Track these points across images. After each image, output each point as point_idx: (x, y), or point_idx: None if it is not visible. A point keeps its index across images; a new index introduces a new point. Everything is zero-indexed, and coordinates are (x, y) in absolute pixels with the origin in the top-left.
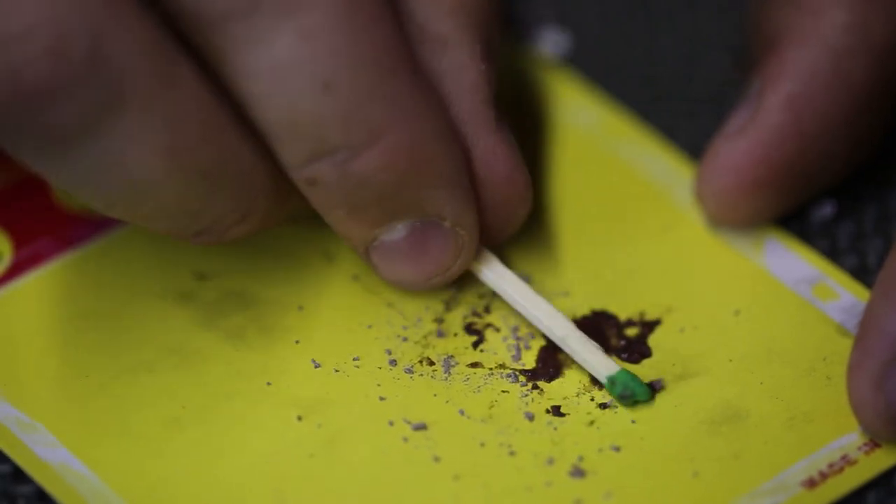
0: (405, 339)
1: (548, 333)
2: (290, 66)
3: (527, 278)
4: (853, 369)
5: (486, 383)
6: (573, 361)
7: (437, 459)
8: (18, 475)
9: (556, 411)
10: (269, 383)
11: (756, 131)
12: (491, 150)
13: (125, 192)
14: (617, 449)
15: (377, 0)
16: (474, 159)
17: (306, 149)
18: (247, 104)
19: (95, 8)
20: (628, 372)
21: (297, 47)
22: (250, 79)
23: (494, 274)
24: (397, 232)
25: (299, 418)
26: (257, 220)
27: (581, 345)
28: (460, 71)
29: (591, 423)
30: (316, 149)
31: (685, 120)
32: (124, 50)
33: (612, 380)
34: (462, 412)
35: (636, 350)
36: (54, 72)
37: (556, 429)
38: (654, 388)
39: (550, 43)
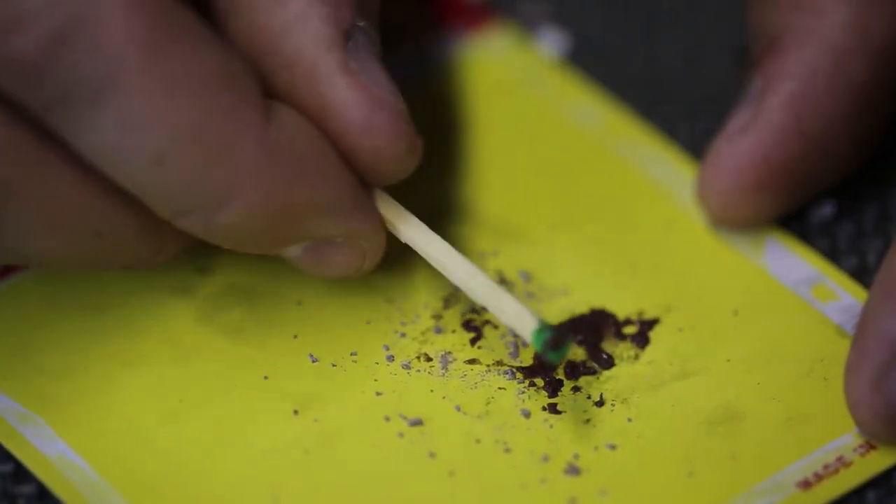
0: (403, 335)
1: (467, 293)
2: (119, 149)
3: (526, 275)
4: (850, 370)
5: (483, 380)
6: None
7: (432, 455)
8: (18, 475)
9: (553, 409)
10: (266, 377)
11: (757, 131)
12: (340, 103)
13: (32, 261)
14: (612, 447)
15: (200, 50)
16: (328, 115)
17: (166, 210)
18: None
19: None
20: (549, 325)
21: (120, 131)
22: (91, 157)
23: (414, 233)
24: (293, 251)
25: (295, 412)
26: (175, 249)
27: (501, 301)
28: (298, 23)
29: (588, 420)
30: (174, 211)
31: (686, 120)
32: None
33: (536, 333)
34: (458, 408)
35: (637, 339)
36: None
37: (552, 426)
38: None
39: (551, 43)
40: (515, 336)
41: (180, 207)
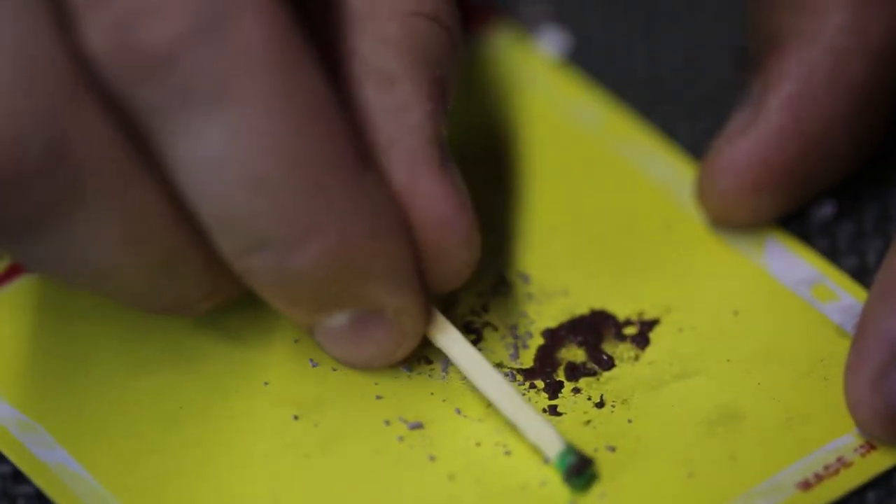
0: None
1: (497, 406)
2: (221, 162)
3: (526, 277)
4: (850, 370)
5: None
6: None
7: (432, 458)
8: (18, 475)
9: (553, 411)
10: (266, 383)
11: (757, 132)
12: (431, 193)
13: (87, 277)
14: (612, 449)
15: (318, 86)
16: (414, 201)
17: (240, 242)
18: (184, 196)
19: (58, 104)
20: (575, 449)
21: (228, 142)
22: (185, 172)
23: (448, 340)
24: (338, 320)
25: (296, 417)
26: (223, 297)
27: (529, 421)
28: (404, 110)
29: (588, 422)
30: (249, 243)
31: (686, 120)
32: (83, 148)
33: (561, 456)
34: (459, 411)
35: (637, 340)
36: (13, 164)
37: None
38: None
39: (551, 42)
40: (515, 338)
41: (258, 241)
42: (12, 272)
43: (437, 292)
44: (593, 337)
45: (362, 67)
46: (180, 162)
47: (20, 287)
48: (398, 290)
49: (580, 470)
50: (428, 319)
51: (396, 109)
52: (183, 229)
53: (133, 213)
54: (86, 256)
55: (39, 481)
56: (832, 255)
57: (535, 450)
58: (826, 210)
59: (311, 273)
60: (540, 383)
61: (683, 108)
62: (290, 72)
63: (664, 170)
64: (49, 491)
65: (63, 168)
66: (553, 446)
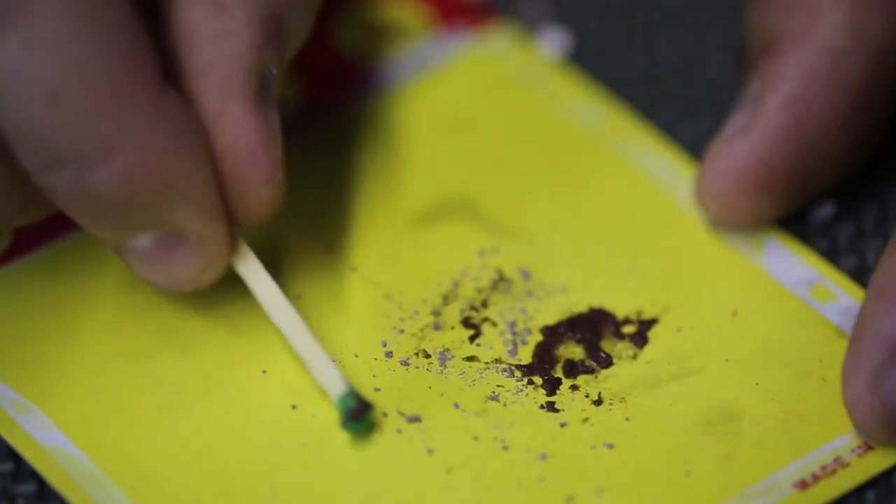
0: (402, 332)
1: (289, 342)
2: (15, 75)
3: (526, 273)
4: (848, 370)
5: (481, 377)
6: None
7: (430, 452)
8: (18, 475)
9: (551, 407)
10: (264, 371)
11: (756, 133)
12: (237, 123)
13: None
14: (610, 446)
15: (118, 4)
16: (220, 129)
17: (39, 159)
18: None
19: None
20: (356, 393)
21: (22, 56)
22: None
23: (250, 272)
24: (143, 240)
25: (293, 407)
26: (38, 211)
27: (316, 359)
28: (228, 37)
29: (586, 419)
30: (47, 160)
31: (685, 120)
32: None
33: (341, 399)
34: (456, 405)
35: (635, 339)
36: None
37: (550, 425)
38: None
39: (551, 42)
40: (514, 334)
41: (57, 157)
42: (10, 254)
43: (242, 227)
44: (592, 335)
45: None
46: None
47: (18, 269)
48: (201, 214)
49: (358, 414)
50: (232, 246)
51: (220, 35)
52: None
53: None
54: None
55: (36, 463)
56: (832, 255)
57: (532, 444)
58: (826, 210)
59: (111, 192)
60: (538, 380)
61: (683, 108)
62: None
63: (664, 170)
64: (45, 473)
65: None
66: (335, 388)
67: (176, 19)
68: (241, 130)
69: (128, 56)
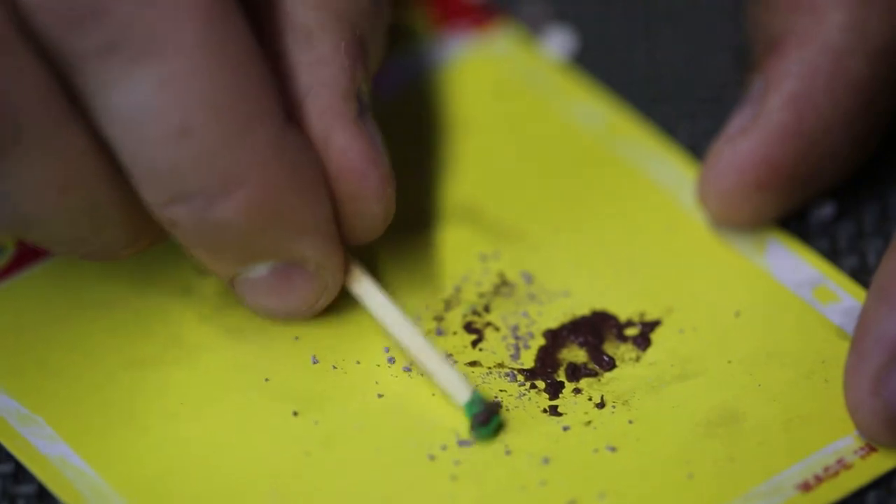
0: None
1: (411, 355)
2: (147, 112)
3: (528, 276)
4: (850, 372)
5: (484, 382)
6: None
7: (432, 458)
8: (19, 475)
9: (554, 411)
10: (267, 379)
11: (758, 132)
12: (345, 146)
13: (14, 223)
14: (613, 449)
15: (243, 39)
16: (328, 154)
17: (163, 192)
18: (112, 147)
19: None
20: (481, 398)
21: (154, 93)
22: (112, 122)
23: (363, 291)
24: (259, 271)
25: (296, 414)
26: (146, 243)
27: (439, 369)
28: (321, 65)
29: (588, 423)
30: (172, 193)
31: (686, 120)
32: (19, 95)
33: (468, 406)
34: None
35: (638, 341)
36: None
37: (552, 428)
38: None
39: (553, 43)
40: (517, 338)
41: (182, 190)
42: (14, 266)
43: (352, 244)
44: (594, 337)
45: (285, 22)
46: (107, 112)
47: (21, 281)
48: (319, 243)
49: (486, 420)
50: (346, 271)
51: (313, 63)
52: (109, 178)
53: (63, 160)
54: (15, 202)
55: (40, 474)
56: (832, 255)
57: (534, 448)
58: (826, 210)
59: (233, 224)
60: (541, 383)
61: (683, 108)
62: (217, 24)
63: (666, 171)
64: (49, 484)
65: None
66: (461, 395)
67: (268, 51)
68: (350, 153)
69: (255, 90)
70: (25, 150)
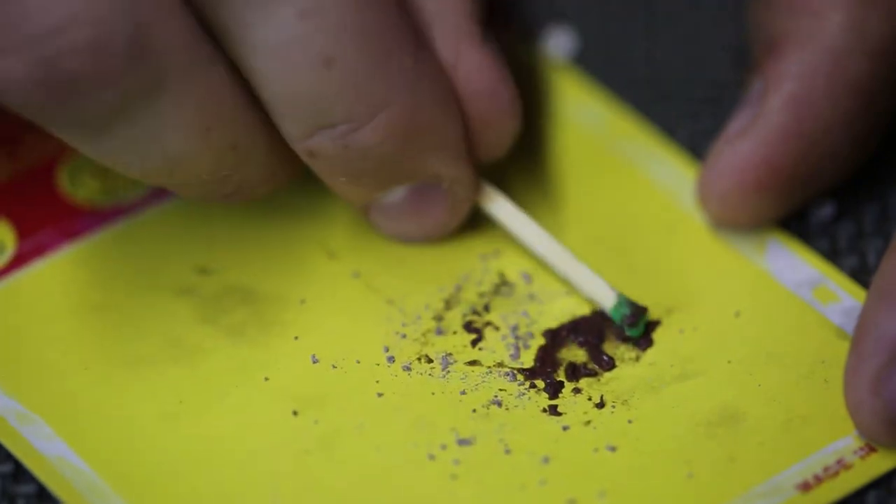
0: (404, 336)
1: (552, 267)
2: (291, 42)
3: (528, 277)
4: (850, 372)
5: (483, 382)
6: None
7: (432, 457)
8: (18, 475)
9: (554, 410)
10: (266, 378)
11: (758, 133)
12: (475, 64)
13: (161, 166)
14: (613, 449)
15: None
16: (458, 73)
17: (307, 123)
18: (252, 80)
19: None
20: (627, 300)
21: (298, 24)
22: (254, 56)
23: (499, 209)
24: (397, 195)
25: (295, 413)
26: (281, 180)
27: (582, 277)
28: None
29: (588, 422)
30: (316, 123)
31: (686, 120)
32: (164, 39)
33: (615, 309)
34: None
35: (638, 341)
36: (96, 62)
37: (552, 428)
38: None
39: (555, 43)
40: (517, 338)
41: (327, 119)
42: (14, 264)
43: (484, 160)
44: (594, 337)
45: None
46: (251, 47)
47: (20, 280)
48: (454, 160)
49: (634, 321)
50: (478, 184)
51: None
52: (252, 114)
53: (208, 100)
54: (162, 144)
55: (39, 473)
56: (832, 255)
57: (534, 448)
58: (826, 210)
59: (376, 148)
60: (540, 383)
61: (683, 108)
62: None
63: (666, 171)
64: (49, 483)
65: (146, 58)
66: (607, 299)
67: None
68: (480, 72)
69: (392, 15)
70: (172, 91)
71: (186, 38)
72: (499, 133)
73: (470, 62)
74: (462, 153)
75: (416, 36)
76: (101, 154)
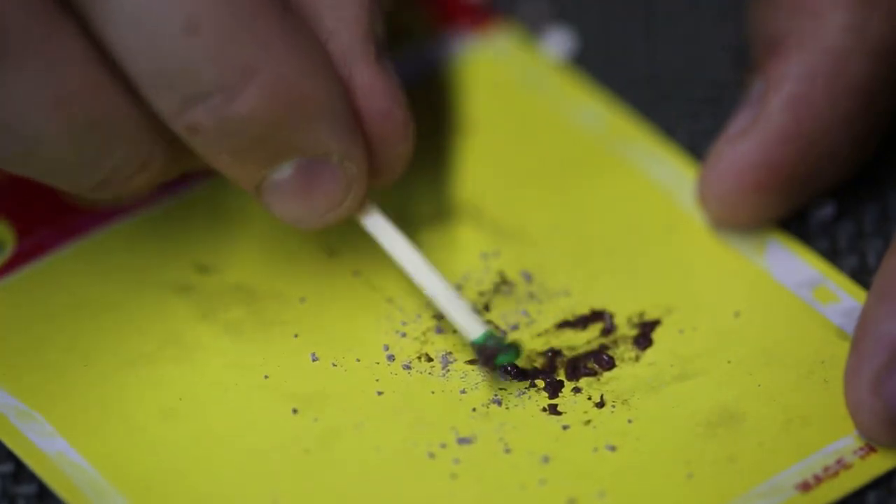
0: (404, 335)
1: (423, 290)
2: (150, 7)
3: (528, 276)
4: (850, 373)
5: (483, 381)
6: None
7: (432, 456)
8: (19, 475)
9: (553, 410)
10: (266, 376)
11: (758, 134)
12: (368, 85)
13: (14, 146)
14: (612, 448)
15: None
16: (352, 94)
17: (179, 96)
18: (116, 56)
19: None
20: (494, 333)
21: None
22: (114, 26)
23: (375, 226)
24: (284, 171)
25: (295, 412)
26: (158, 168)
27: (450, 305)
28: (340, 6)
29: (588, 422)
30: (189, 94)
31: (686, 120)
32: (4, 2)
33: (476, 343)
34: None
35: (638, 341)
36: None
37: (552, 427)
38: (515, 347)
39: (553, 43)
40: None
41: (199, 89)
42: (12, 263)
43: (376, 185)
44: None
45: None
46: (108, 19)
47: (20, 278)
48: (341, 133)
49: (488, 359)
50: (367, 163)
51: (334, 4)
52: (114, 90)
53: (58, 71)
54: (11, 119)
55: (39, 471)
56: (832, 255)
57: (534, 447)
58: (826, 211)
59: (255, 117)
60: (540, 382)
61: (683, 108)
62: None
63: (666, 171)
64: (49, 481)
65: None
66: (471, 333)
67: None
68: (373, 93)
69: None
70: (14, 59)
71: (32, 2)
72: (391, 155)
73: (363, 82)
74: (349, 126)
75: (283, 2)
76: None
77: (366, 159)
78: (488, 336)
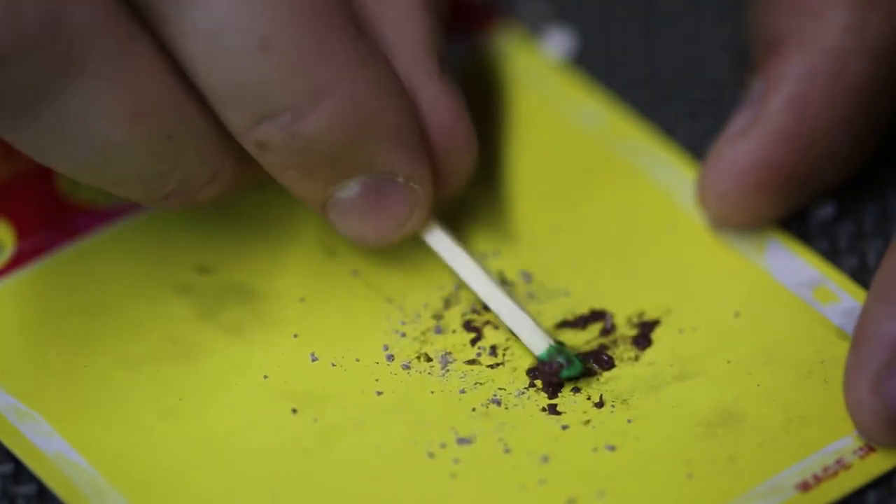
0: (403, 335)
1: (488, 305)
2: (226, 25)
3: (527, 276)
4: (850, 373)
5: (483, 380)
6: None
7: (431, 456)
8: (18, 475)
9: (553, 410)
10: (265, 376)
11: (758, 134)
12: (433, 100)
13: (90, 157)
14: (612, 448)
15: None
16: (418, 110)
17: (250, 112)
18: (189, 69)
19: None
20: (559, 347)
21: (232, 5)
22: (189, 42)
23: (437, 242)
24: (351, 189)
25: (295, 411)
26: (227, 180)
27: (514, 319)
28: (404, 22)
29: (587, 422)
30: (260, 112)
31: (686, 120)
32: (79, 16)
33: (542, 357)
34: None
35: (637, 341)
36: (6, 35)
37: (552, 427)
38: (586, 361)
39: (554, 43)
40: (515, 337)
41: (270, 107)
42: (12, 264)
43: (441, 197)
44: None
45: None
46: (184, 31)
47: (21, 279)
48: (408, 153)
49: (553, 374)
50: (434, 183)
51: (396, 22)
52: (187, 102)
53: (135, 83)
54: (89, 131)
55: (38, 471)
56: (832, 255)
57: (533, 447)
58: (826, 211)
59: (324, 136)
60: (540, 382)
61: (683, 108)
62: None
63: (666, 171)
64: (48, 480)
65: (61, 36)
66: (537, 348)
67: (355, 9)
68: (438, 109)
69: (328, 1)
70: (91, 71)
71: (107, 16)
72: (456, 169)
73: (428, 97)
74: (416, 146)
75: (355, 23)
76: (29, 142)
77: (431, 177)
78: (552, 351)
